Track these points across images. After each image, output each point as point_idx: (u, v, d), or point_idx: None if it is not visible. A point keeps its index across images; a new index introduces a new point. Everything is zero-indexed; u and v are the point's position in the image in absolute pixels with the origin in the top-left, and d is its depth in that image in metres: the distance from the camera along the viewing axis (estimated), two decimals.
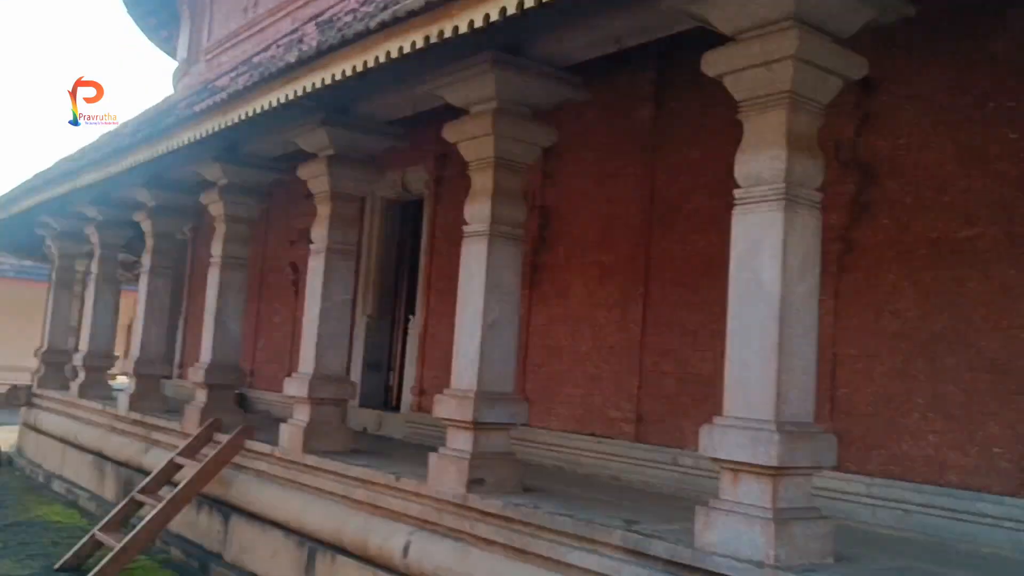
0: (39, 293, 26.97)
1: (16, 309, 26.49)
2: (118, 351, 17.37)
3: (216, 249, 8.60)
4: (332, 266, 7.08)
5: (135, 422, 9.68)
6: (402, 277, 10.28)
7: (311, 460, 6.66)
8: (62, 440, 11.55)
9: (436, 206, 8.84)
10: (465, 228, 5.64)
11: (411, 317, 9.04)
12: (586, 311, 7.06)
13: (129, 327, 26.88)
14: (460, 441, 5.41)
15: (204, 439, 7.99)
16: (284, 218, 11.40)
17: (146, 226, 10.24)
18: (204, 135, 7.12)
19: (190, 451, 7.90)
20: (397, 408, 9.39)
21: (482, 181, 5.59)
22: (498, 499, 5.06)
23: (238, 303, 8.63)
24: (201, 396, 8.45)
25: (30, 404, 13.37)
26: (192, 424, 8.34)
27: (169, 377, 13.76)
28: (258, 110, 6.34)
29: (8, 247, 17.01)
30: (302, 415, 6.96)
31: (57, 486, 10.96)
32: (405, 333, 9.87)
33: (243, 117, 6.54)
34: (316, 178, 7.15)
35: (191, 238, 13.66)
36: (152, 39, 17.89)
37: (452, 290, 8.65)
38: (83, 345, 11.70)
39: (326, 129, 6.85)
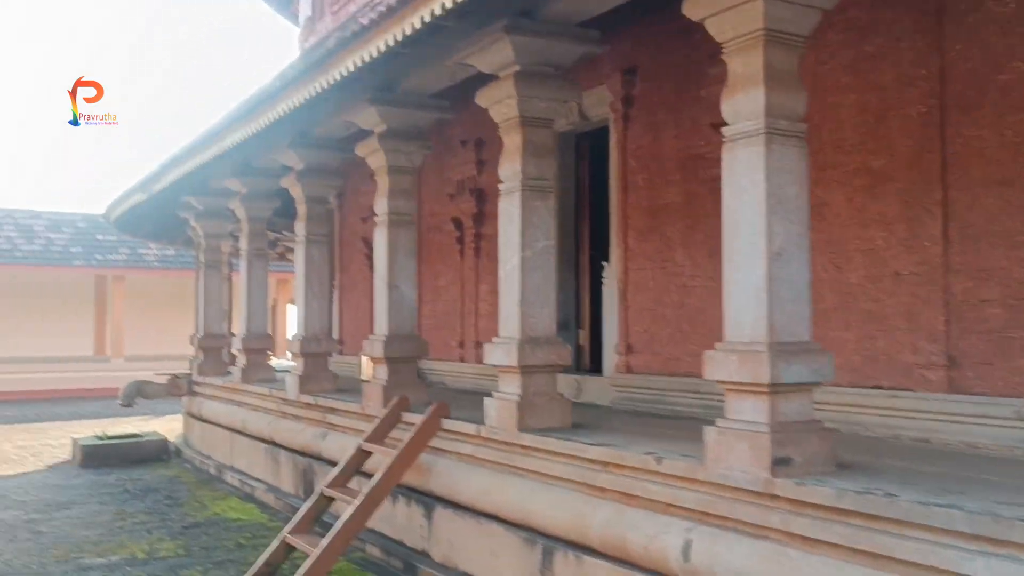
0: (182, 281, 27.40)
1: (163, 299, 26.87)
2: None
3: (380, 205, 7.56)
4: (529, 207, 5.85)
5: (307, 405, 8.84)
6: (582, 219, 9.03)
7: (528, 440, 5.52)
8: (229, 429, 10.93)
9: (626, 131, 7.49)
10: (726, 131, 4.27)
11: (604, 264, 7.77)
12: (853, 232, 5.59)
13: (274, 308, 27.02)
14: (749, 410, 4.10)
15: (391, 421, 6.99)
16: (438, 170, 10.32)
17: (296, 191, 9.31)
18: (361, 63, 5.98)
19: (377, 436, 6.92)
20: (596, 371, 8.20)
21: (749, 63, 4.19)
22: (821, 484, 3.76)
23: (410, 265, 7.57)
24: (381, 372, 7.47)
25: (192, 393, 12.90)
26: (374, 404, 7.37)
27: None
28: (427, 18, 5.10)
29: (151, 234, 16.67)
30: (511, 387, 5.81)
31: (230, 478, 10.33)
32: (593, 284, 8.63)
33: (407, 32, 5.32)
34: (501, 103, 5.91)
35: (336, 206, 12.79)
36: (271, 4, 17.15)
37: (656, 228, 7.38)
38: (239, 327, 11.00)
39: (511, 39, 5.59)
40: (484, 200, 9.48)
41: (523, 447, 5.59)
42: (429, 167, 10.31)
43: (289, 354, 12.89)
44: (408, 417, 6.93)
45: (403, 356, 7.46)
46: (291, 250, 18.16)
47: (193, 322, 26.56)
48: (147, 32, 56.26)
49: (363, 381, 10.11)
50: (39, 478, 11.02)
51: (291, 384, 9.18)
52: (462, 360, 9.91)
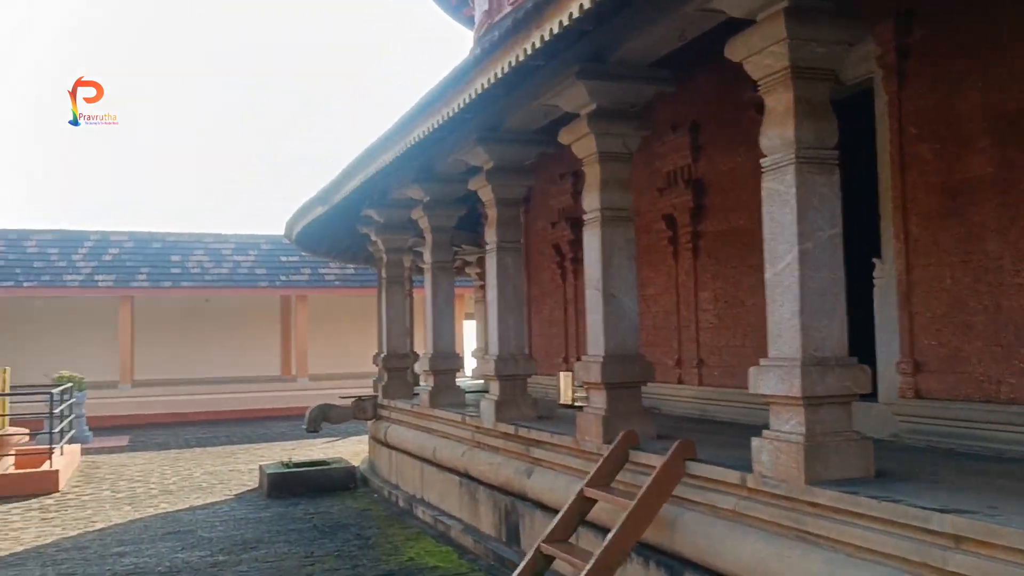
0: (361, 300, 27.41)
1: (344, 317, 26.94)
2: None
3: (590, 201, 6.34)
4: (807, 186, 4.45)
5: (506, 435, 7.73)
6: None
7: (825, 497, 4.11)
8: (419, 457, 10.02)
9: (902, 90, 5.91)
10: None
11: (875, 261, 6.19)
12: None
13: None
14: None
15: (617, 461, 5.72)
16: (642, 162, 8.98)
17: (485, 193, 8.27)
18: (568, 21, 4.78)
19: (601, 479, 5.67)
20: (867, 395, 6.61)
21: None
22: None
23: (628, 270, 6.30)
24: (598, 400, 6.23)
25: (377, 416, 12.16)
26: (592, 438, 6.14)
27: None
28: None
29: (331, 251, 16.25)
30: (791, 424, 4.41)
31: (421, 513, 9.38)
32: (855, 283, 7.03)
33: None
34: (768, 49, 4.53)
35: (521, 211, 11.70)
36: (444, 8, 16.49)
37: (954, 212, 5.72)
38: (426, 346, 10.08)
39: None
40: (703, 192, 8.08)
41: (815, 505, 4.18)
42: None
43: (469, 374, 11.85)
44: (638, 456, 5.65)
45: (625, 381, 6.20)
46: (469, 263, 17.41)
47: (374, 340, 26.88)
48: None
49: (563, 406, 8.96)
50: (226, 509, 10.50)
51: (487, 410, 8.11)
52: (680, 382, 8.51)
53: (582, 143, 6.40)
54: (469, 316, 24.67)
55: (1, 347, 22.53)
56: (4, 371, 13.44)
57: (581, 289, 9.95)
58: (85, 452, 16.42)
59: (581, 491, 5.63)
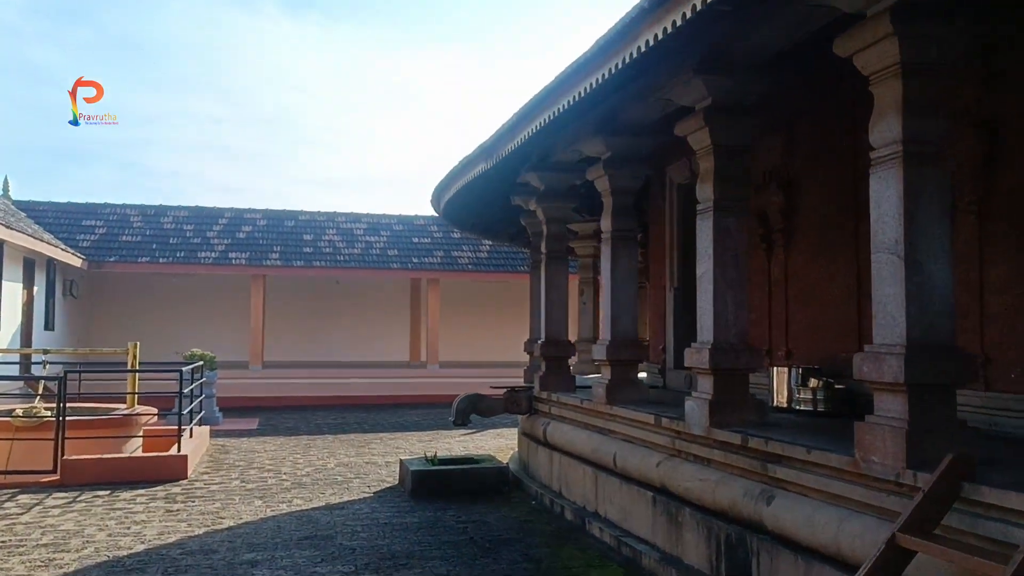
0: (494, 285, 26.13)
1: (476, 303, 25.68)
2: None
3: (883, 134, 4.60)
4: None
5: (727, 445, 6.06)
6: None
7: None
8: (592, 463, 8.45)
9: None
10: None
11: None
12: None
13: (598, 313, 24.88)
14: None
15: (942, 497, 3.97)
16: None
17: (699, 140, 6.62)
18: None
19: (920, 521, 3.93)
20: None
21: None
22: None
23: (941, 229, 4.52)
24: (892, 406, 4.48)
25: (532, 411, 10.65)
26: (883, 458, 4.43)
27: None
28: None
29: (478, 225, 14.84)
30: None
31: (597, 531, 7.81)
32: None
33: None
34: None
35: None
36: None
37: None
38: (602, 331, 8.50)
39: None
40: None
41: None
42: None
43: (667, 366, 10.19)
44: (978, 492, 3.88)
45: (937, 382, 4.42)
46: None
47: (508, 328, 25.60)
48: None
49: (777, 410, 7.24)
50: (367, 510, 9.20)
51: (695, 412, 6.46)
52: None
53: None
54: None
55: (133, 323, 22.29)
56: (134, 346, 12.63)
57: (793, 268, 8.19)
58: (214, 434, 15.61)
59: (894, 538, 3.91)
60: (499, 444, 14.39)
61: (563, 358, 10.38)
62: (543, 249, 10.53)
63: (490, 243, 24.98)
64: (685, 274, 10.92)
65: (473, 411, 10.58)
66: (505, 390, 10.77)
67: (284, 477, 11.30)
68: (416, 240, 24.92)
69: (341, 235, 24.58)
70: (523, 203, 11.70)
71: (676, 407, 7.70)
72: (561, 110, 7.37)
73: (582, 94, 6.89)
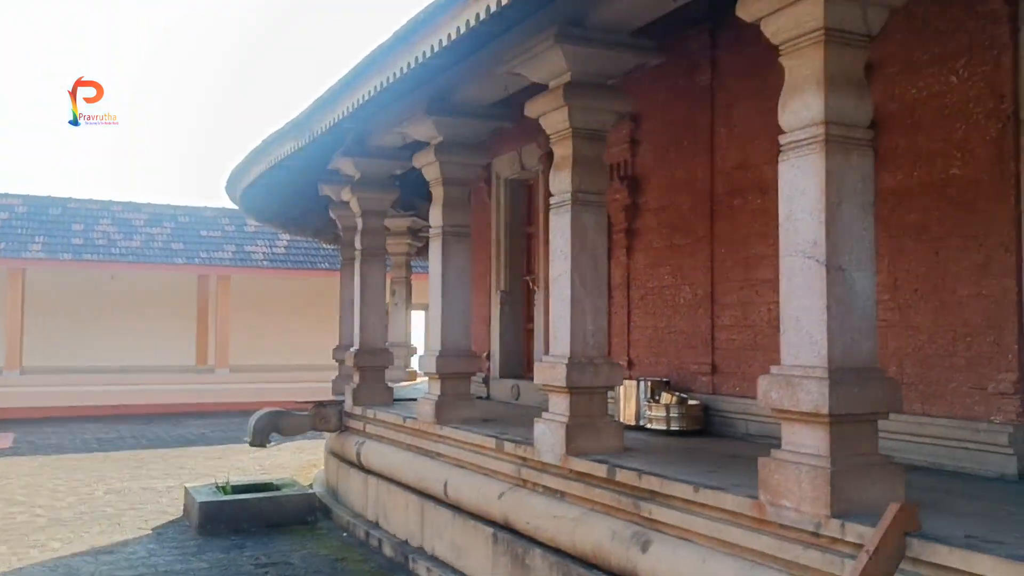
0: (294, 283, 24.29)
1: (273, 303, 23.75)
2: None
3: (794, 114, 3.86)
4: None
5: (589, 478, 5.20)
6: None
7: None
8: (417, 491, 7.37)
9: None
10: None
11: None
12: None
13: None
14: None
15: (890, 556, 3.24)
16: None
17: (553, 123, 5.73)
18: None
19: None
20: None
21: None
22: None
23: (864, 230, 3.83)
24: (811, 441, 3.74)
25: (344, 428, 9.42)
26: (797, 503, 3.69)
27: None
28: None
29: (280, 216, 13.27)
30: None
31: (424, 571, 6.75)
32: None
33: None
34: None
35: (543, 170, 9.14)
36: None
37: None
38: (432, 340, 7.44)
39: None
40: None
41: None
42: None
43: (480, 379, 9.26)
44: (925, 551, 3.19)
45: (864, 412, 3.72)
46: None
47: (308, 329, 23.85)
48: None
49: (629, 427, 6.52)
50: (143, 553, 7.65)
51: (548, 437, 5.56)
52: None
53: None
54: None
55: None
56: None
57: (637, 272, 7.52)
58: None
59: None
60: (301, 461, 12.98)
61: (380, 368, 9.23)
62: (358, 245, 9.33)
63: (288, 237, 23.21)
64: (513, 277, 10.09)
65: (274, 430, 9.18)
66: (312, 405, 9.46)
67: (39, 511, 9.41)
68: (205, 233, 22.74)
69: (117, 226, 21.97)
70: (333, 193, 10.43)
71: (518, 427, 6.81)
72: (385, 84, 6.25)
73: (410, 66, 5.83)
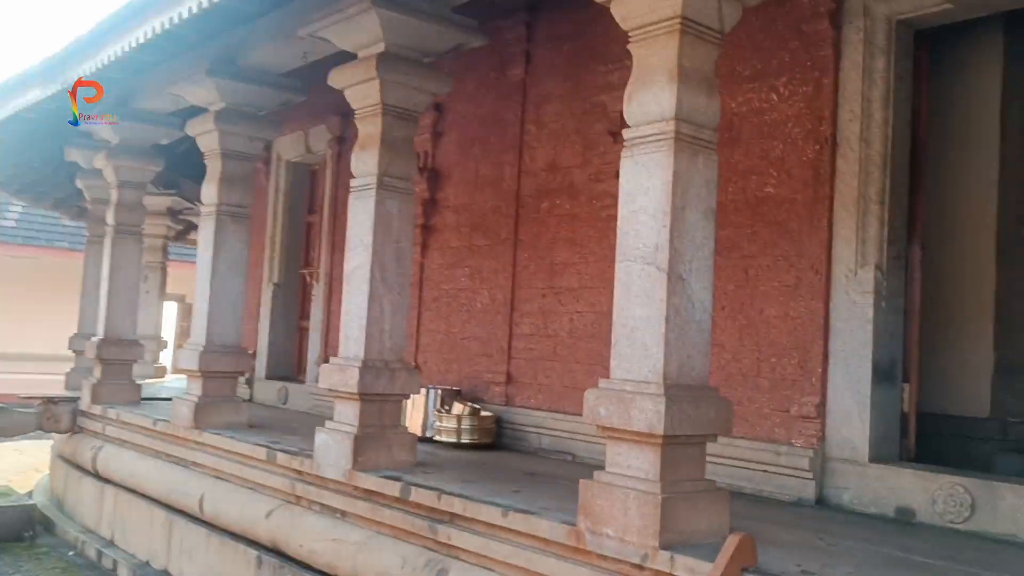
0: (19, 262, 21.50)
1: (5, 282, 20.90)
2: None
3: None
4: None
5: (382, 497, 4.62)
6: None
7: None
8: (165, 505, 6.42)
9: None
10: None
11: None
12: None
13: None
14: None
15: None
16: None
17: (355, 95, 5.13)
18: None
19: None
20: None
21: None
22: None
23: (707, 236, 3.57)
24: (640, 461, 3.41)
25: (77, 429, 8.16)
26: (621, 532, 3.37)
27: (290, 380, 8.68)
28: None
29: (20, 181, 11.43)
30: None
31: None
32: None
33: None
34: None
35: (332, 155, 8.43)
36: None
37: None
38: (197, 331, 6.52)
39: None
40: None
41: None
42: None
43: (243, 380, 8.36)
44: None
45: (695, 433, 3.45)
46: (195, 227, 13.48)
47: (35, 314, 21.13)
48: None
49: (430, 440, 6.03)
50: None
51: (331, 450, 4.93)
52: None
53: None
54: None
55: None
56: None
57: (430, 272, 7.08)
58: None
59: None
60: (20, 465, 11.26)
61: (127, 362, 8.08)
62: (110, 221, 8.12)
63: (21, 208, 20.51)
64: (289, 268, 9.27)
65: None
66: (40, 401, 8.12)
67: None
68: None
69: None
70: (83, 159, 9.11)
71: (290, 435, 6.11)
72: (163, 27, 5.34)
73: (191, 11, 5.01)
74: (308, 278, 9.11)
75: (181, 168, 11.30)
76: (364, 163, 5.08)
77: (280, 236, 9.16)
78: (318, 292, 8.55)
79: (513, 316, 6.46)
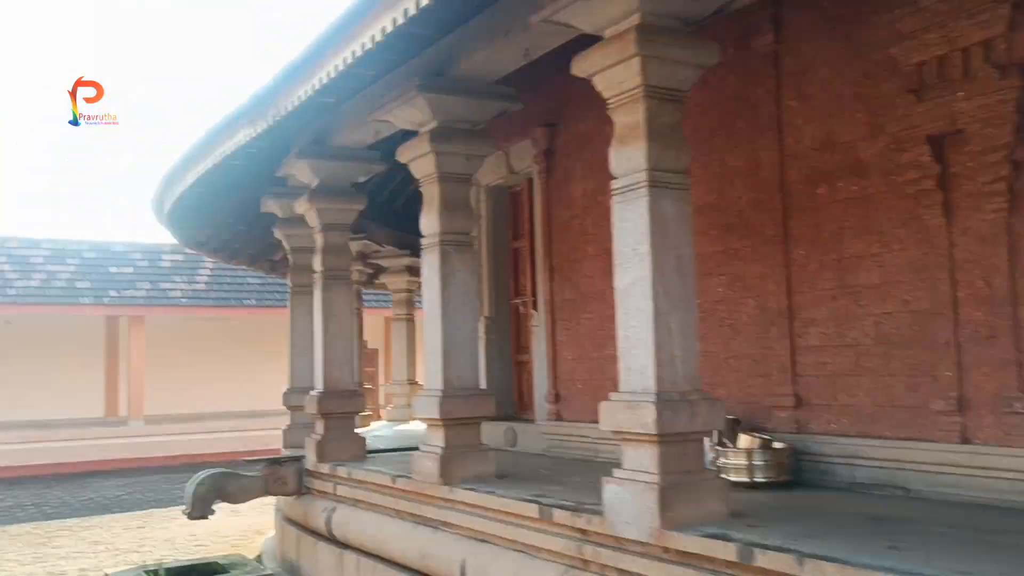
0: (214, 323, 22.18)
1: (193, 344, 21.61)
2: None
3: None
4: None
5: (708, 563, 3.73)
6: None
7: None
8: (413, 571, 5.76)
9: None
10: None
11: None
12: None
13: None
14: None
15: None
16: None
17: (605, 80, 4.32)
18: None
19: None
20: None
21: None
22: None
23: None
24: None
25: (304, 490, 7.73)
26: None
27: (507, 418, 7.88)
28: None
29: (220, 237, 11.39)
30: None
31: None
32: None
33: None
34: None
35: (541, 171, 7.70)
36: None
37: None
38: (432, 375, 5.87)
39: None
40: None
41: None
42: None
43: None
44: None
45: None
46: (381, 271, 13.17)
47: (232, 373, 21.69)
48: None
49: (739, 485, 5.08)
50: None
51: (627, 505, 4.08)
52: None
53: None
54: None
55: None
56: None
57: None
58: None
59: None
60: (240, 527, 11.10)
61: (350, 415, 7.59)
62: (318, 267, 7.69)
63: (209, 273, 21.25)
64: (499, 301, 8.61)
65: (219, 497, 7.42)
66: (265, 464, 7.74)
67: None
68: (114, 270, 20.52)
69: (13, 264, 19.59)
70: (280, 209, 8.83)
71: (551, 484, 5.34)
72: (374, 41, 4.75)
73: (407, 15, 4.38)
74: (521, 308, 8.42)
75: (368, 211, 11.05)
76: (628, 159, 4.24)
77: (487, 267, 8.52)
78: (538, 322, 7.81)
79: (793, 326, 5.46)
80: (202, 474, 7.45)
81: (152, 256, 21.23)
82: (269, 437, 18.55)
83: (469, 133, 5.93)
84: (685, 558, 3.86)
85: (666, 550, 3.95)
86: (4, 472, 17.29)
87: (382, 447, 8.17)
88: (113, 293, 19.78)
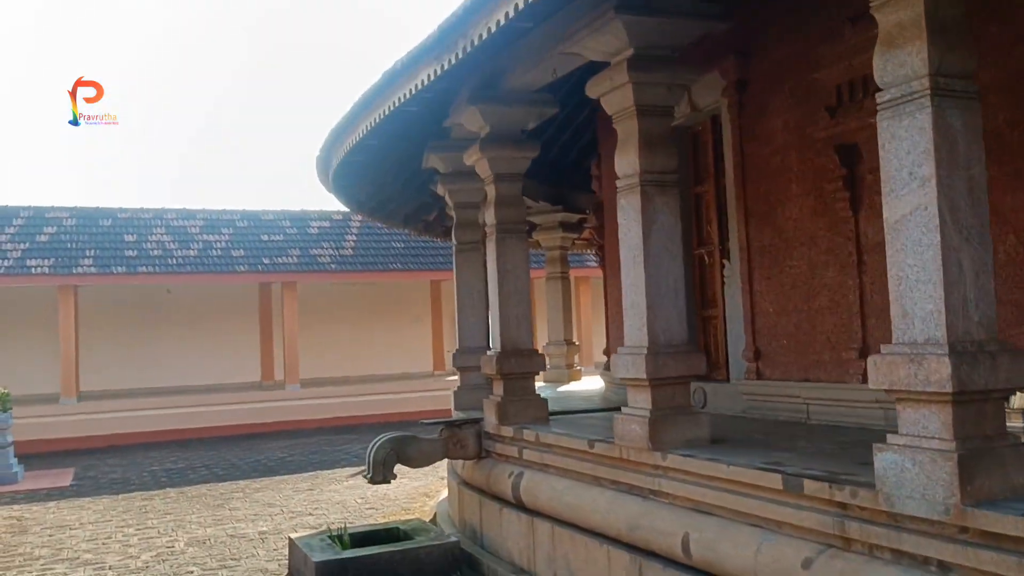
0: (362, 288, 22.43)
1: (343, 309, 21.89)
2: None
3: None
4: None
5: (1010, 542, 3.05)
6: None
7: None
8: (625, 544, 5.27)
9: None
10: None
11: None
12: None
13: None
14: None
15: None
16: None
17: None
18: None
19: None
20: None
21: None
22: None
23: None
24: None
25: (484, 454, 7.38)
26: None
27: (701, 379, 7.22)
28: None
29: (383, 195, 11.15)
30: None
31: None
32: None
33: None
34: None
35: (732, 104, 6.97)
36: None
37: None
38: (633, 330, 5.32)
39: None
40: None
41: None
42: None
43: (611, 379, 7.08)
44: None
45: None
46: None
47: (382, 336, 21.89)
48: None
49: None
50: None
51: (909, 476, 3.44)
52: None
53: None
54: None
55: None
56: None
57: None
58: (9, 500, 11.44)
59: None
60: (408, 490, 10.98)
61: (530, 375, 7.17)
62: (491, 220, 7.25)
63: (355, 237, 21.42)
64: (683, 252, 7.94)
65: (399, 461, 7.17)
66: (443, 427, 7.42)
67: None
68: (266, 237, 20.96)
69: (172, 235, 20.28)
70: (443, 163, 8.42)
71: (772, 448, 4.72)
72: None
73: None
74: (706, 258, 7.75)
75: (568, 182, 10.93)
76: (900, 64, 3.53)
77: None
78: (730, 272, 7.14)
79: None
80: (381, 438, 7.20)
81: (300, 224, 21.59)
82: (420, 399, 18.66)
83: (668, 60, 5.31)
84: (991, 540, 3.20)
85: (964, 530, 3.29)
86: (171, 435, 17.99)
87: (563, 409, 7.73)
88: (266, 260, 20.18)
